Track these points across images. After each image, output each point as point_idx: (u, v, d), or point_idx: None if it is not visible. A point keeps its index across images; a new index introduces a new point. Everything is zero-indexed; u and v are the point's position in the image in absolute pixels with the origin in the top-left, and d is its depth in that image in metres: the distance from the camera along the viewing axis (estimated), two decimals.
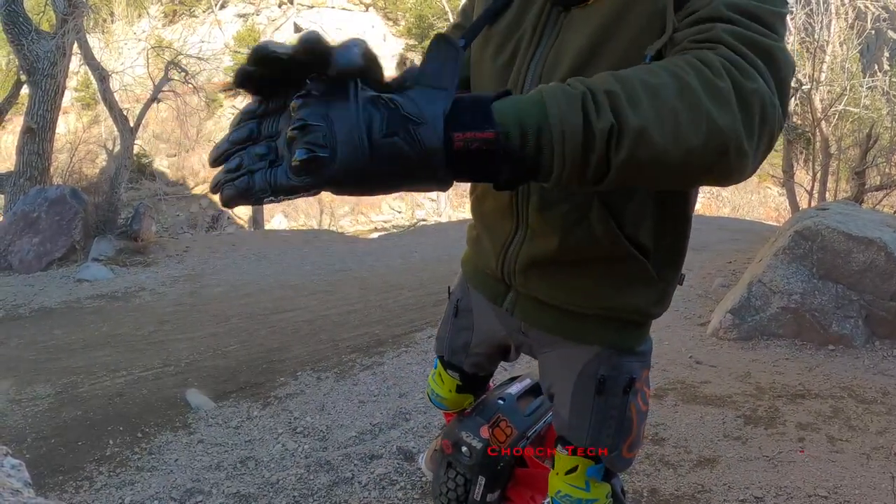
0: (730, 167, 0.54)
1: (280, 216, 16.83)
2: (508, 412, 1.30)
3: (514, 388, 1.39)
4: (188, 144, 17.31)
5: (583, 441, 0.99)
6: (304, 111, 0.45)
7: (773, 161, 11.52)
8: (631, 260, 0.86)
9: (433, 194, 17.14)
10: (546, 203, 0.85)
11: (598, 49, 0.75)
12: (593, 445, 0.98)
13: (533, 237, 0.89)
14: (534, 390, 1.43)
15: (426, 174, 0.48)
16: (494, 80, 0.87)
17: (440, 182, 0.49)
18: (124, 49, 15.55)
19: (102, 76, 8.19)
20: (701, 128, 0.52)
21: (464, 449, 1.26)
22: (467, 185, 1.04)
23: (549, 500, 1.63)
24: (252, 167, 0.48)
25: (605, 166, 0.52)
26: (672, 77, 0.53)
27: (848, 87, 10.63)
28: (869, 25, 11.91)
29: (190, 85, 9.91)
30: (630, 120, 0.50)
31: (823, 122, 9.79)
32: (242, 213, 15.92)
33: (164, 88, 9.07)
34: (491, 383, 1.44)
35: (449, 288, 1.24)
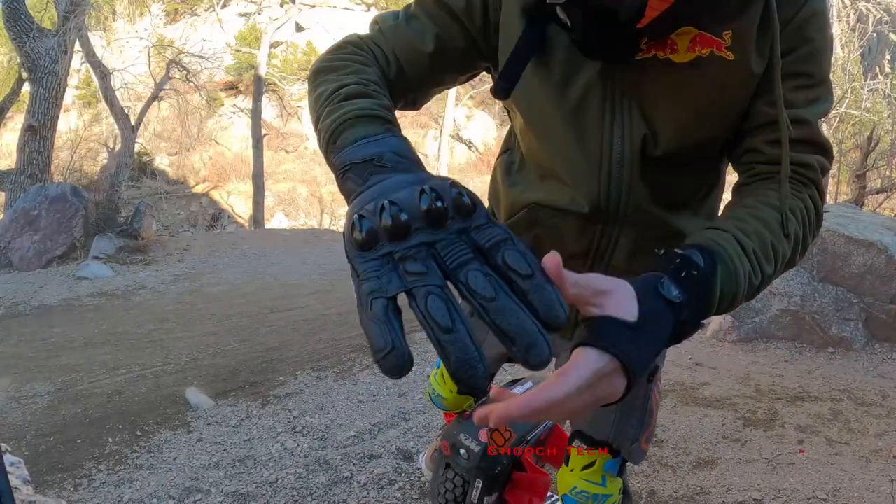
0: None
1: (280, 215, 16.84)
2: None
3: (515, 392, 1.39)
4: (189, 143, 17.33)
5: (606, 434, 0.99)
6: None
7: None
8: None
9: None
10: (635, 251, 0.85)
11: (701, 122, 0.75)
12: (617, 438, 0.99)
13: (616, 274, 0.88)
14: None
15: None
16: (563, 122, 0.78)
17: None
18: (126, 47, 15.56)
19: (104, 74, 8.20)
20: (785, 268, 0.69)
21: (462, 451, 1.26)
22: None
23: (552, 500, 1.63)
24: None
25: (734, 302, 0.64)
26: (788, 249, 0.68)
27: (849, 90, 10.64)
28: (870, 28, 11.91)
29: (191, 83, 9.93)
30: (761, 291, 0.67)
31: (825, 124, 9.79)
32: (243, 212, 15.92)
33: (165, 87, 9.09)
34: (492, 386, 1.43)
35: None
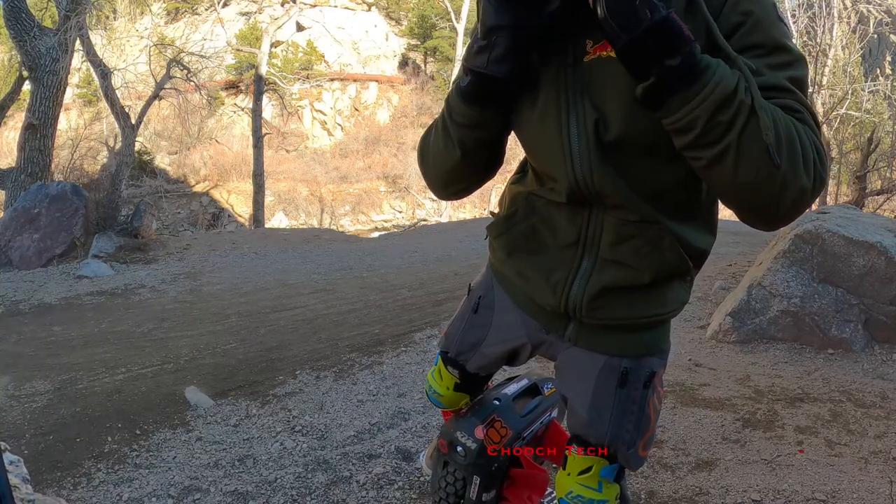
0: (788, 208, 0.74)
1: (280, 214, 16.84)
2: (504, 413, 1.30)
3: (511, 389, 1.39)
4: (189, 142, 17.32)
5: (602, 437, 0.99)
6: None
7: None
8: (686, 267, 0.95)
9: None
10: (620, 238, 0.92)
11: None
12: (613, 442, 0.99)
13: (604, 267, 0.94)
14: (530, 391, 1.43)
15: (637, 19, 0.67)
16: (537, 125, 0.91)
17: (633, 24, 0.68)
18: (126, 46, 15.56)
19: (104, 73, 8.20)
20: (792, 163, 0.71)
21: (459, 449, 1.26)
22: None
23: (549, 499, 1.64)
24: None
25: (726, 128, 0.70)
26: (791, 121, 0.72)
27: (850, 91, 10.64)
28: (871, 29, 11.92)
29: (192, 83, 9.93)
30: (758, 112, 0.69)
31: (825, 125, 9.79)
32: (243, 211, 15.92)
33: (165, 86, 9.09)
34: (489, 383, 1.44)
35: (470, 284, 1.24)
